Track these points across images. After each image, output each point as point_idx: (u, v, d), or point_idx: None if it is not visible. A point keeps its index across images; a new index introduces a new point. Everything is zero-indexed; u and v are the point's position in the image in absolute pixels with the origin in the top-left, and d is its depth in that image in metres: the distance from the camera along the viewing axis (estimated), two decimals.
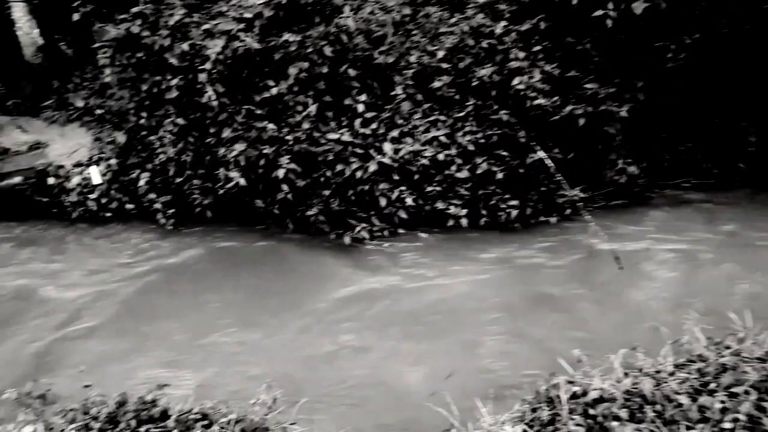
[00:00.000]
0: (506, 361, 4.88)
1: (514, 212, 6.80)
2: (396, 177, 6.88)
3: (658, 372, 3.12)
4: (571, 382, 3.47)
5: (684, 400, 2.77)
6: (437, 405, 4.01)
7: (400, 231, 7.15)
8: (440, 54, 6.98)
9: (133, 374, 5.04)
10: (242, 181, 6.77)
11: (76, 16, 6.85)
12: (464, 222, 6.95)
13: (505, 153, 6.82)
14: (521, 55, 6.75)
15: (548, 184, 6.89)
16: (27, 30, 8.70)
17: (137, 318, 5.92)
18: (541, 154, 6.59)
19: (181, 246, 7.07)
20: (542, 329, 5.28)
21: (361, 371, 5.06)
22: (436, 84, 6.95)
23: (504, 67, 6.76)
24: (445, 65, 7.00)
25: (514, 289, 5.92)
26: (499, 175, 6.79)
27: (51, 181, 7.86)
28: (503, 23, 6.83)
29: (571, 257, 6.39)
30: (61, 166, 7.86)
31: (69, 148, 8.03)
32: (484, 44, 6.86)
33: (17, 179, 7.90)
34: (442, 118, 6.99)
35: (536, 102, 6.60)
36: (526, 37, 6.89)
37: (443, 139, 6.88)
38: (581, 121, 6.71)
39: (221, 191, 7.21)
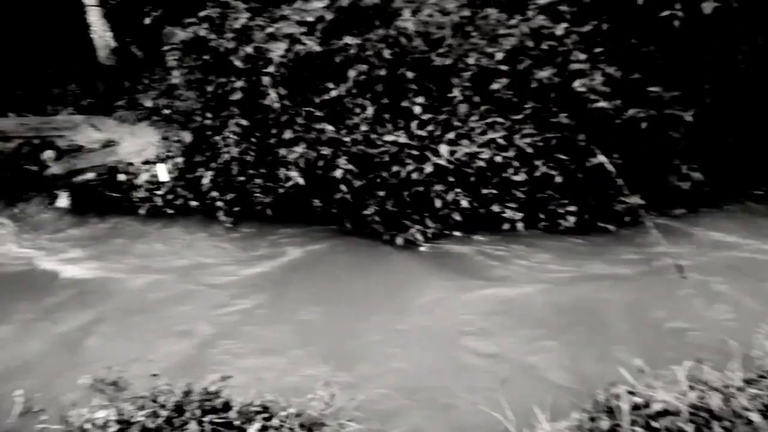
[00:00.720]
0: (564, 369, 4.83)
1: (572, 217, 6.71)
2: (451, 179, 6.89)
3: (726, 387, 3.04)
4: (632, 393, 3.42)
5: (755, 417, 2.69)
6: (492, 409, 4.03)
7: (454, 233, 7.19)
8: (499, 56, 6.94)
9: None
10: (301, 181, 6.94)
11: (147, 20, 7.18)
12: (520, 226, 6.92)
13: (563, 156, 6.74)
14: (582, 57, 6.64)
15: (608, 189, 6.76)
16: (101, 33, 9.15)
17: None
18: (601, 158, 6.47)
19: (253, 245, 7.30)
20: (601, 337, 5.19)
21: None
22: (495, 86, 6.91)
23: (564, 69, 6.66)
24: (503, 67, 6.95)
25: (570, 296, 5.85)
26: (558, 179, 6.71)
27: (121, 177, 8.24)
28: (564, 25, 6.73)
29: (632, 265, 6.25)
30: (131, 164, 8.22)
31: (138, 147, 8.39)
32: (544, 46, 6.77)
33: (90, 175, 8.32)
34: (500, 120, 6.95)
35: (597, 105, 6.49)
36: (587, 39, 6.77)
37: (500, 141, 6.84)
38: (643, 125, 6.56)
39: (281, 190, 7.42)
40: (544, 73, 6.64)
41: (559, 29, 6.69)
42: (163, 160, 8.17)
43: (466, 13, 7.22)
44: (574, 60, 6.59)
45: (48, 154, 8.64)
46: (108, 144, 8.60)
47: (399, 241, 6.99)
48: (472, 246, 7.02)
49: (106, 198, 8.38)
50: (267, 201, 7.61)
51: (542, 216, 6.99)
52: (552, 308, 5.72)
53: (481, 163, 6.79)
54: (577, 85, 6.49)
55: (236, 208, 7.78)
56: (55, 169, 8.47)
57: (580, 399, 3.85)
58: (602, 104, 6.45)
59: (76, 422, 3.59)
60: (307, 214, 7.61)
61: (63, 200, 8.46)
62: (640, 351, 4.47)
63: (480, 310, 5.77)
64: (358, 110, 6.85)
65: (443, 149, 6.76)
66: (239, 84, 7.00)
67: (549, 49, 6.75)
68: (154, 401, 3.78)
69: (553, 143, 6.74)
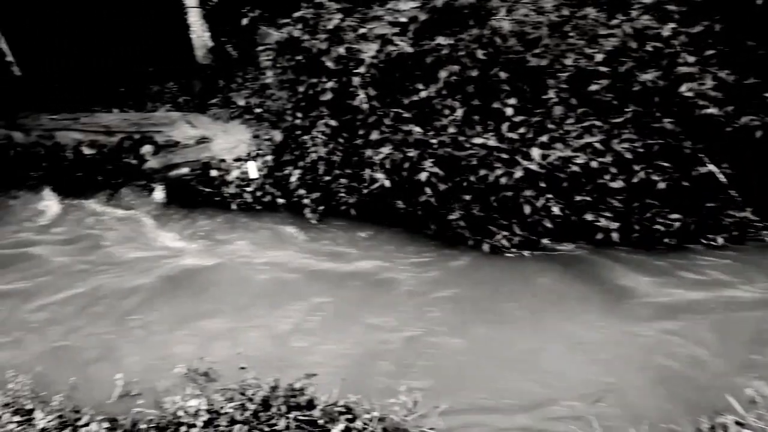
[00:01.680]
0: (664, 393, 4.51)
1: (675, 229, 6.29)
2: (542, 184, 6.64)
3: None
4: (740, 424, 3.14)
5: None
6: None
7: (543, 241, 6.94)
8: (599, 57, 6.61)
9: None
10: (387, 183, 6.91)
11: (244, 21, 7.36)
12: (615, 236, 6.58)
13: (666, 164, 6.32)
14: (691, 59, 6.22)
15: (715, 200, 6.29)
16: (200, 33, 9.51)
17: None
18: (711, 167, 6.03)
19: (338, 244, 7.38)
20: (710, 360, 4.82)
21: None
22: (593, 88, 6.59)
23: (670, 72, 6.26)
24: (603, 68, 6.61)
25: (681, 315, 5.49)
26: (660, 187, 6.31)
27: (213, 173, 8.53)
28: (672, 25, 6.33)
29: (747, 283, 5.77)
30: (223, 160, 8.50)
31: (230, 144, 8.66)
32: (649, 47, 6.40)
33: (185, 170, 8.68)
34: (598, 123, 6.61)
35: (706, 111, 6.05)
36: (697, 40, 6.33)
37: (597, 146, 6.51)
38: (758, 134, 6.05)
39: (365, 191, 7.44)
40: (647, 76, 6.27)
41: (666, 30, 6.30)
42: (253, 158, 8.38)
43: (565, 12, 6.94)
44: (682, 62, 6.18)
45: (147, 149, 9.09)
46: (202, 141, 8.93)
47: (485, 247, 6.83)
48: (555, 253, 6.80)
49: (198, 192, 8.71)
50: (351, 201, 7.66)
51: (637, 227, 6.61)
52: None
53: (576, 168, 6.49)
54: (685, 89, 6.08)
55: (321, 207, 7.87)
56: (153, 163, 8.90)
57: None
58: (712, 110, 6.01)
59: (170, 409, 3.70)
60: (390, 215, 7.58)
61: (159, 193, 8.88)
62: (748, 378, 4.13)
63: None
64: (447, 112, 6.73)
65: (535, 153, 6.52)
66: (330, 84, 7.06)
67: (654, 50, 6.37)
68: (243, 394, 3.85)
69: (656, 149, 6.34)
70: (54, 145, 9.46)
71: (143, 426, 3.78)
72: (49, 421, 3.74)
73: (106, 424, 3.73)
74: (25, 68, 10.73)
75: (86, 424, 3.78)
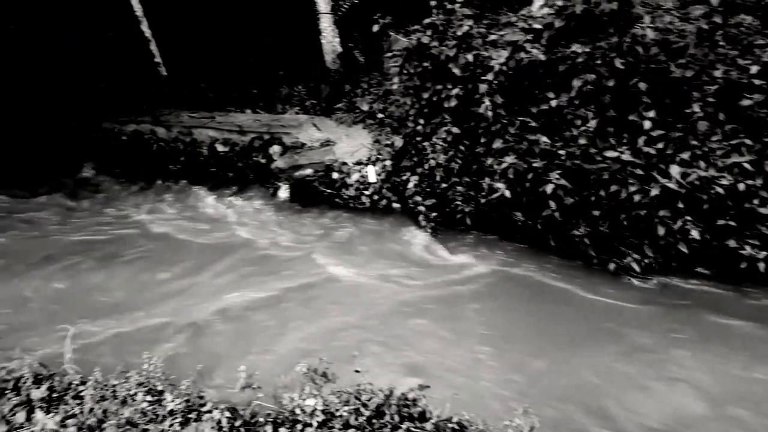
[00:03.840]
0: None
1: None
2: (680, 205, 6.12)
3: None
4: None
5: None
6: None
7: (674, 266, 6.42)
8: (754, 69, 5.99)
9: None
10: (507, 193, 6.70)
11: (375, 28, 7.45)
12: (762, 266, 5.92)
13: None
14: None
15: None
16: (330, 39, 9.83)
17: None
18: None
19: (452, 253, 7.30)
20: None
21: None
22: (745, 102, 5.99)
23: None
24: (758, 82, 5.99)
25: None
26: None
27: (335, 175, 8.76)
28: None
29: None
30: (345, 163, 8.70)
31: (352, 148, 8.85)
32: None
33: (309, 171, 8.98)
34: (748, 142, 5.99)
35: None
36: None
37: (747, 166, 5.90)
38: None
39: (483, 200, 7.28)
40: None
41: None
42: (373, 163, 8.50)
43: (716, 19, 6.36)
44: None
45: (275, 149, 9.52)
46: (326, 143, 9.20)
47: (611, 266, 6.43)
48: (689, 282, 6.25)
49: (319, 193, 8.99)
50: (467, 210, 7.53)
51: None
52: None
53: (720, 190, 5.91)
54: None
55: (434, 214, 7.81)
56: (280, 162, 9.30)
57: None
58: None
59: (288, 405, 3.79)
60: (508, 227, 7.37)
61: (283, 192, 9.26)
62: None
63: None
64: (578, 122, 6.40)
65: (674, 171, 6.02)
66: (455, 91, 6.97)
67: None
68: (358, 398, 3.86)
69: None
70: (192, 141, 10.18)
71: (261, 419, 3.90)
72: (177, 404, 3.97)
73: (227, 414, 3.89)
74: (171, 69, 11.68)
75: (209, 411, 3.97)
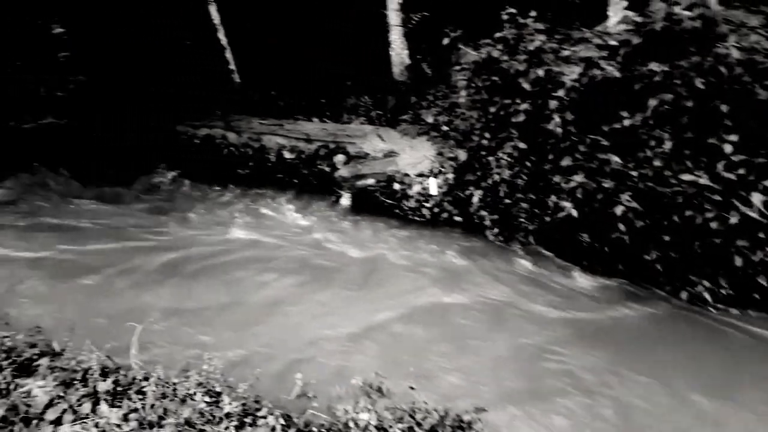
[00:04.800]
0: None
1: None
2: (762, 235, 5.77)
3: None
4: None
5: None
6: None
7: (756, 297, 6.05)
8: None
9: None
10: (574, 213, 6.51)
11: (445, 41, 7.44)
12: None
13: None
14: None
15: None
16: (399, 51, 9.90)
17: None
18: None
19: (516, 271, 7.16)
20: None
21: None
22: None
23: None
24: None
25: None
26: None
27: (396, 186, 8.77)
28: None
29: None
30: (407, 175, 8.69)
31: (415, 159, 8.83)
32: None
33: (371, 181, 9.03)
34: None
35: None
36: None
37: None
38: None
39: (548, 219, 7.11)
40: None
41: None
42: (435, 175, 8.46)
43: None
44: None
45: (339, 158, 9.64)
46: (389, 154, 9.23)
47: (683, 295, 6.13)
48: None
49: (380, 203, 9.02)
50: (531, 227, 7.37)
51: None
52: None
53: None
54: None
55: (497, 230, 7.68)
56: (343, 171, 9.40)
57: None
58: None
59: (342, 418, 3.78)
60: (573, 248, 7.15)
61: (345, 200, 9.35)
62: None
63: None
64: (653, 143, 6.15)
65: (756, 198, 5.68)
66: (524, 106, 6.85)
67: None
68: (412, 417, 3.81)
69: None
70: (260, 147, 10.45)
71: (315, 429, 3.92)
72: (234, 407, 4.03)
73: (282, 420, 3.92)
74: (244, 76, 12.06)
75: (264, 417, 4.01)
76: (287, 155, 10.21)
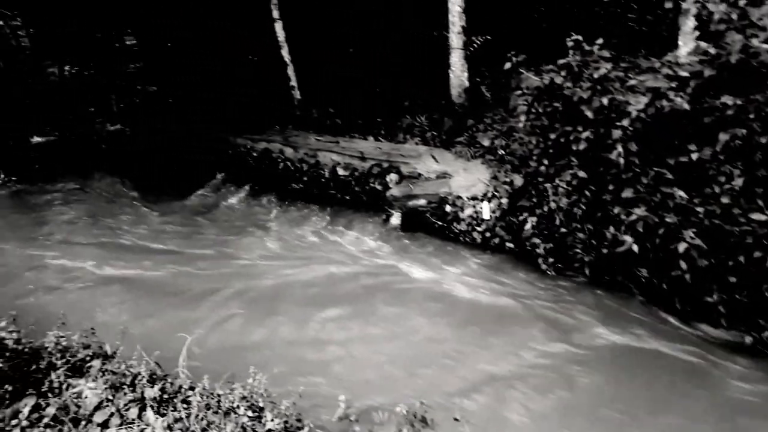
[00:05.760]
0: None
1: None
2: None
3: None
4: None
5: None
6: None
7: None
8: None
9: None
10: (635, 247, 6.25)
11: (507, 65, 7.35)
12: None
13: None
14: None
15: None
16: (458, 73, 9.86)
17: None
18: None
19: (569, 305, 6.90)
20: None
21: None
22: None
23: None
24: None
25: None
26: None
27: (448, 208, 8.69)
28: None
29: None
30: (459, 197, 8.60)
31: (468, 182, 8.74)
32: None
33: (422, 201, 8.99)
34: None
35: None
36: None
37: None
38: None
39: (605, 251, 6.87)
40: None
41: None
42: (489, 199, 8.34)
43: None
44: None
45: (392, 177, 9.64)
46: (442, 176, 9.17)
47: (747, 340, 5.79)
48: None
49: (430, 224, 8.95)
50: (587, 259, 7.14)
51: None
52: None
53: None
54: None
55: (551, 259, 7.49)
56: (395, 191, 9.39)
57: None
58: None
59: None
60: (630, 282, 6.88)
61: (395, 219, 9.33)
62: None
63: None
64: (722, 179, 5.86)
65: None
66: (585, 135, 6.67)
67: None
68: None
69: None
70: (315, 163, 10.59)
71: None
72: (276, 424, 4.01)
73: None
74: (304, 93, 12.28)
75: None
76: (341, 172, 10.29)
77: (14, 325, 4.88)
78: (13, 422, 4.04)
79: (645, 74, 6.40)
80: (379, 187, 9.82)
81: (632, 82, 6.38)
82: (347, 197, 10.28)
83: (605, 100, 6.47)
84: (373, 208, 9.89)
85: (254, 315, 6.88)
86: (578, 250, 7.23)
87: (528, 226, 7.63)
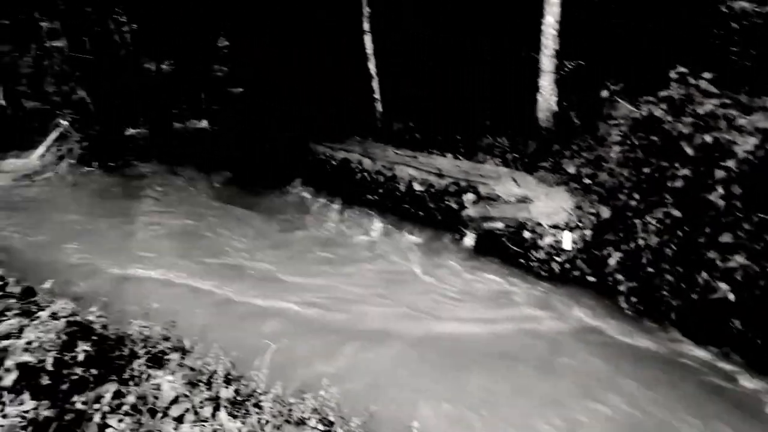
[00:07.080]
0: None
1: None
2: None
3: None
4: None
5: None
6: None
7: None
8: None
9: None
10: (731, 297, 5.85)
11: (604, 93, 7.11)
12: None
13: None
14: None
15: None
16: (547, 97, 9.61)
17: None
18: None
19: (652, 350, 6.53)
20: None
21: None
22: None
23: None
24: None
25: None
26: None
27: (526, 234, 8.45)
28: None
29: None
30: (539, 224, 8.35)
31: (550, 209, 8.47)
32: None
33: (499, 224, 8.78)
34: None
35: None
36: None
37: None
38: None
39: (695, 296, 6.46)
40: None
41: None
42: (571, 229, 8.04)
43: None
44: None
45: (469, 197, 9.49)
46: (523, 200, 8.93)
47: None
48: None
49: (506, 249, 8.72)
50: (674, 304, 6.74)
51: None
52: None
53: None
54: None
55: (634, 299, 7.12)
56: (471, 211, 9.23)
57: None
58: None
59: None
60: (722, 334, 6.43)
61: (469, 240, 9.17)
62: None
63: None
64: None
65: None
66: (683, 172, 6.32)
67: None
68: None
69: None
70: (392, 176, 10.58)
71: None
72: None
73: None
74: (386, 105, 12.34)
75: None
76: (417, 187, 10.23)
77: (104, 311, 5.07)
78: (95, 406, 4.17)
79: (756, 113, 6.01)
80: (454, 206, 9.69)
81: (742, 121, 6.00)
82: (420, 212, 10.19)
83: (709, 138, 6.12)
84: (446, 226, 9.74)
85: None
86: (666, 293, 6.84)
87: (612, 261, 7.29)
